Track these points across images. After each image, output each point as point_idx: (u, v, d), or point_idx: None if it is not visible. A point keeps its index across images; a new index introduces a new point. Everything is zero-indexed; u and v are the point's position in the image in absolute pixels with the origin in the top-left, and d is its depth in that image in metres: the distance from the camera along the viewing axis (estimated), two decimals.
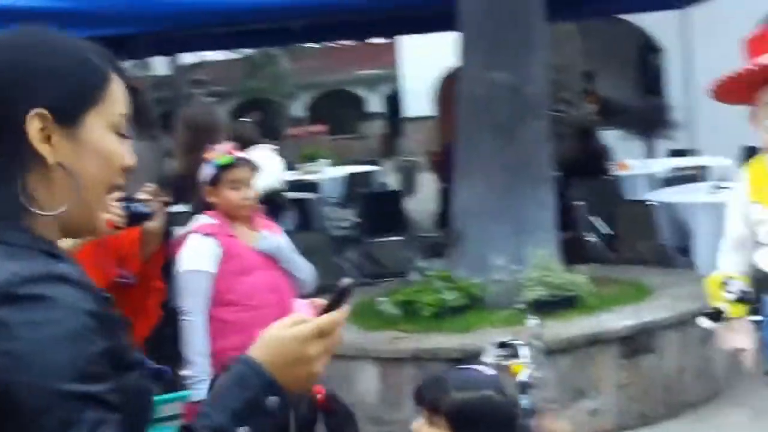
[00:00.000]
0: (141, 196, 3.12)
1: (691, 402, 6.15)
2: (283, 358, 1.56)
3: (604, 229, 9.29)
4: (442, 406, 2.57)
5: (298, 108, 34.67)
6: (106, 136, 1.56)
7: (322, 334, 1.58)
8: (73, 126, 1.51)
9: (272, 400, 1.53)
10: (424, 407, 2.64)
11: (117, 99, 1.58)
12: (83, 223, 1.58)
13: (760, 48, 3.75)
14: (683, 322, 6.16)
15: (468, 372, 2.79)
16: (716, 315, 4.01)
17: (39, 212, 1.49)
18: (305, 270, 4.52)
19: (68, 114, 1.51)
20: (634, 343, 5.99)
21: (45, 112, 1.48)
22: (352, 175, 13.61)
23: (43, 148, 1.48)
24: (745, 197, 3.99)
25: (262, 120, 14.41)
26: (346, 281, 1.63)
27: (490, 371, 3.10)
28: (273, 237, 4.45)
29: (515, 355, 4.84)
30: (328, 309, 1.60)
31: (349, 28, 12.78)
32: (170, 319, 4.15)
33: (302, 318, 1.60)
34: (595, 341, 5.91)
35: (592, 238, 9.16)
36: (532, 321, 5.16)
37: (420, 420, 2.63)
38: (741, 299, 3.97)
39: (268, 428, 1.54)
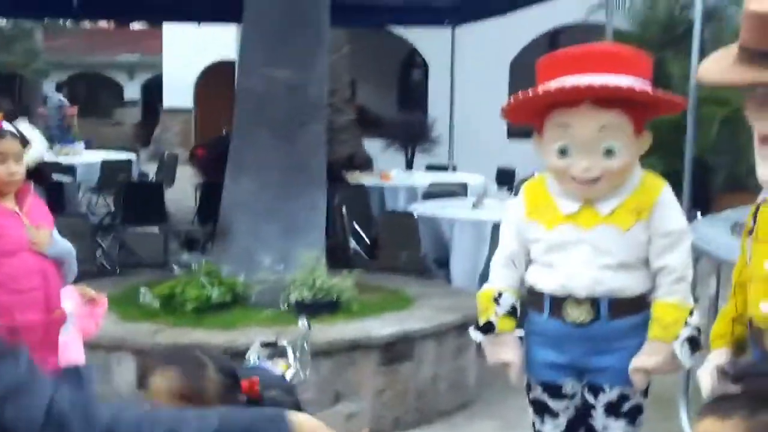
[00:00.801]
0: None
1: (444, 410, 6.32)
2: None
3: (366, 236, 9.42)
4: None
5: (50, 87, 33.35)
6: None
7: None
8: None
9: None
10: None
11: None
12: None
13: (549, 72, 3.88)
14: (440, 333, 6.34)
15: (255, 372, 2.74)
16: (486, 328, 4.13)
17: None
18: (74, 266, 4.36)
19: None
20: (394, 350, 6.09)
21: None
22: (108, 161, 13.22)
23: None
24: (522, 215, 4.12)
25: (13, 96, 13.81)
26: None
27: (277, 371, 3.05)
28: (63, 243, 4.26)
29: (281, 355, 4.85)
30: None
31: (112, 8, 12.43)
32: None
33: None
34: (356, 346, 5.98)
35: (353, 245, 9.27)
36: (302, 322, 5.18)
37: None
38: (510, 314, 4.11)
39: None
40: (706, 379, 3.40)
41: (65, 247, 4.27)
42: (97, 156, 13.72)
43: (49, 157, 12.20)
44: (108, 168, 12.77)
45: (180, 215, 11.98)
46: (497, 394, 6.41)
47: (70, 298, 4.31)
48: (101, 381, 5.15)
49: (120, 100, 33.47)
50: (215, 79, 23.44)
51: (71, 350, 4.21)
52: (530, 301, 4.13)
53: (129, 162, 13.77)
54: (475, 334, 4.21)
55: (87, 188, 12.02)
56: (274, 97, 6.78)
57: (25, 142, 4.23)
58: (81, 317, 4.33)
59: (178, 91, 25.85)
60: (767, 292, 3.34)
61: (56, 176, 10.57)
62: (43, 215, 4.28)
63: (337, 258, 7.85)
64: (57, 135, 17.61)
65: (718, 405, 2.11)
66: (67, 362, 4.13)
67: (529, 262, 4.12)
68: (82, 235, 7.64)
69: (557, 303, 3.99)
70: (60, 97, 18.97)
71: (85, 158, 13.15)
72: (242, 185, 6.88)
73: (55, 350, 4.15)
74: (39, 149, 4.43)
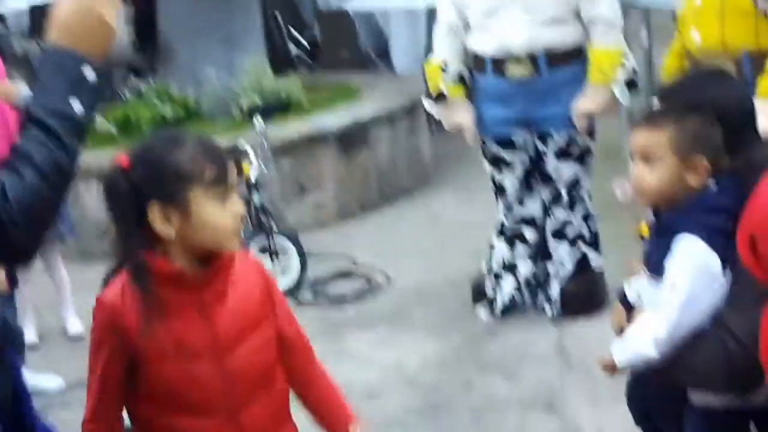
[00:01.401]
0: None
1: (404, 188, 6.61)
2: (80, 31, 1.68)
3: (304, 39, 9.48)
4: None
5: None
6: None
7: None
8: None
9: (88, 70, 1.66)
10: None
11: None
12: None
13: None
14: (392, 117, 6.56)
15: None
16: (438, 97, 4.37)
17: None
18: None
19: None
20: (350, 139, 6.31)
21: None
22: (36, 6, 13.02)
23: None
24: None
25: None
26: None
27: None
28: (28, 90, 4.34)
29: (242, 157, 5.06)
30: None
31: None
32: None
33: None
34: (313, 139, 6.18)
35: (294, 49, 9.34)
36: (257, 123, 5.37)
37: None
38: (458, 80, 4.35)
39: (95, 97, 1.68)
40: None
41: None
42: (23, 3, 13.48)
43: None
44: (37, 12, 12.59)
45: (116, 50, 11.89)
46: (453, 168, 6.70)
47: None
48: (73, 208, 5.32)
49: None
50: None
51: None
52: (474, 64, 4.36)
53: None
54: (428, 104, 4.45)
55: (20, 35, 11.86)
56: None
57: None
58: None
59: None
60: (697, 22, 3.56)
61: None
62: None
63: (280, 64, 7.94)
64: None
65: (650, 117, 2.35)
66: None
67: (468, 30, 4.32)
68: (29, 79, 7.67)
69: (498, 62, 4.22)
70: None
71: (12, 5, 12.91)
72: (175, 5, 6.92)
73: None
74: None
